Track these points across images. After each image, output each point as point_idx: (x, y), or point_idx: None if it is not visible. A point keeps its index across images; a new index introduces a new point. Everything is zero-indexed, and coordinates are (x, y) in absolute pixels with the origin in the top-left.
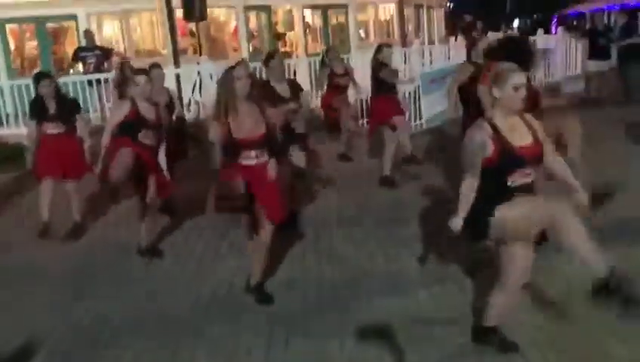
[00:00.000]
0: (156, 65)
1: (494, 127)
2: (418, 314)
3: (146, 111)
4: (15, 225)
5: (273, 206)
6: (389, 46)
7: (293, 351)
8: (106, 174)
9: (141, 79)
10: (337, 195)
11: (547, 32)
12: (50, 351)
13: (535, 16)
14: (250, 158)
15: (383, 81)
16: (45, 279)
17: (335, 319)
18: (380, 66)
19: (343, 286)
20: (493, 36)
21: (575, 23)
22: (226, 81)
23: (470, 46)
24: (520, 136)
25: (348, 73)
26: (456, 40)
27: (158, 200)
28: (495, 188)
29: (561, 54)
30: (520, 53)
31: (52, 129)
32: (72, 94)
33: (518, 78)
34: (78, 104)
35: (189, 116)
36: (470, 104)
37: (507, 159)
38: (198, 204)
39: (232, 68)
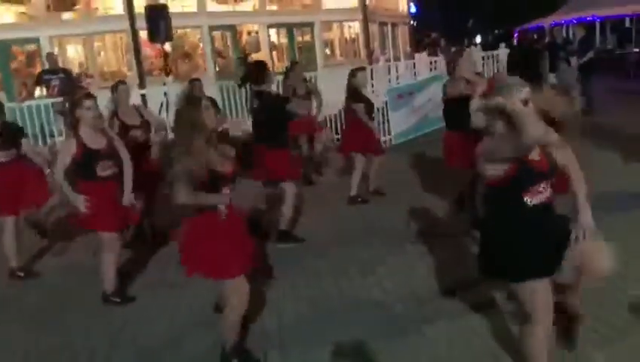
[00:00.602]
0: (121, 82)
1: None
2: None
3: (93, 141)
4: None
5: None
6: (364, 69)
7: None
8: (90, 223)
9: (88, 103)
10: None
11: (509, 46)
12: None
13: (496, 31)
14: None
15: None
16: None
17: (311, 337)
18: (355, 94)
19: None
20: (474, 51)
21: (535, 36)
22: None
23: (451, 61)
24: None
25: (310, 94)
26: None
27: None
28: (512, 209)
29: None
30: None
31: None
32: (36, 118)
33: (526, 92)
34: (21, 128)
35: (157, 138)
36: (458, 118)
37: (525, 174)
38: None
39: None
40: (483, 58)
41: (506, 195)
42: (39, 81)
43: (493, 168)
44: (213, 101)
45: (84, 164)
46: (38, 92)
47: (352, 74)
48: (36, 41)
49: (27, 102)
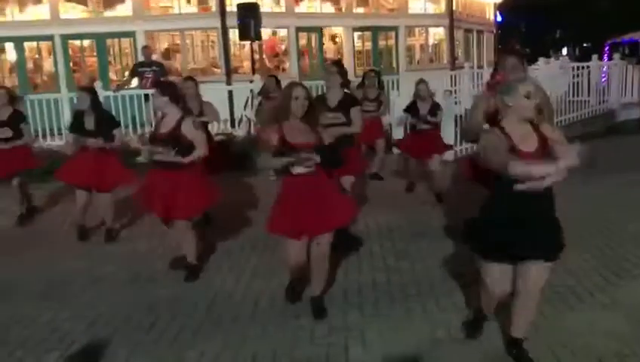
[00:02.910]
0: (189, 78)
1: (505, 133)
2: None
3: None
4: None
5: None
6: (424, 82)
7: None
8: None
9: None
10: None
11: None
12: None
13: (584, 44)
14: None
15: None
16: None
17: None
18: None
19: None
20: (543, 63)
21: (628, 50)
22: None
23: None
24: (527, 143)
25: (379, 100)
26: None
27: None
28: (504, 194)
29: (617, 81)
30: None
31: (91, 143)
32: (128, 108)
33: (528, 85)
34: (113, 117)
35: (240, 132)
36: None
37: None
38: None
39: (293, 85)
40: (573, 68)
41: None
42: (134, 72)
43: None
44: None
45: None
46: (134, 83)
47: (416, 85)
48: (132, 34)
49: (121, 92)
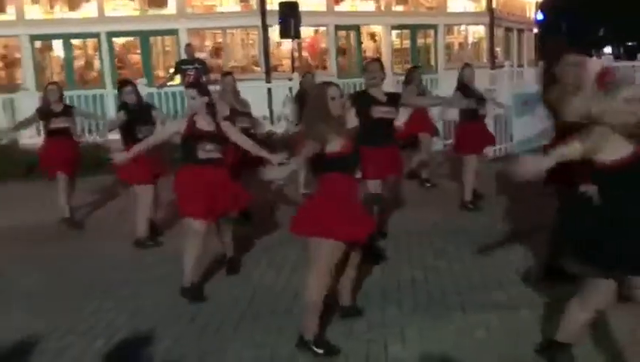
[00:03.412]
0: (228, 74)
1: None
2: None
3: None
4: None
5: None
6: (470, 66)
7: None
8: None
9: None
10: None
11: None
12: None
13: (629, 43)
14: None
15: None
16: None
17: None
18: (461, 88)
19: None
20: (607, 59)
21: None
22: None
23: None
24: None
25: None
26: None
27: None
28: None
29: None
30: None
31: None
32: (171, 104)
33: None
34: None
35: (279, 129)
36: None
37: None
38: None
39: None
40: (618, 68)
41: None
42: (177, 69)
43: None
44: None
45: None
46: (176, 80)
47: (462, 70)
48: (175, 32)
49: (164, 89)
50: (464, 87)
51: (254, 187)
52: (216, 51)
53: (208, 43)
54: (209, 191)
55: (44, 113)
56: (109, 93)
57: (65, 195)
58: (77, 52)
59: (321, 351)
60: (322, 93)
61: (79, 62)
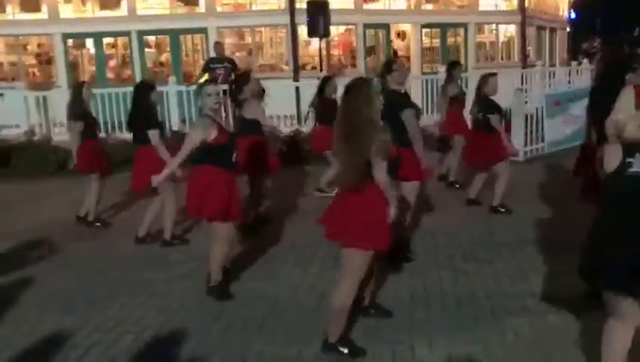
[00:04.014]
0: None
1: None
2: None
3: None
4: None
5: None
6: (495, 75)
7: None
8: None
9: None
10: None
11: None
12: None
13: None
14: None
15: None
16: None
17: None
18: (487, 102)
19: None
20: None
21: None
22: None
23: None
24: None
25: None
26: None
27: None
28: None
29: None
30: None
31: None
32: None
33: None
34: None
35: (306, 128)
36: None
37: None
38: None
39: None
40: None
41: None
42: (206, 68)
43: None
44: None
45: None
46: (205, 78)
47: (483, 79)
48: (204, 30)
49: (192, 87)
50: (483, 99)
51: (278, 189)
52: (247, 49)
53: (235, 41)
54: (235, 194)
55: (82, 113)
56: None
57: (98, 195)
58: (109, 50)
59: (345, 351)
60: (366, 93)
61: (113, 61)
